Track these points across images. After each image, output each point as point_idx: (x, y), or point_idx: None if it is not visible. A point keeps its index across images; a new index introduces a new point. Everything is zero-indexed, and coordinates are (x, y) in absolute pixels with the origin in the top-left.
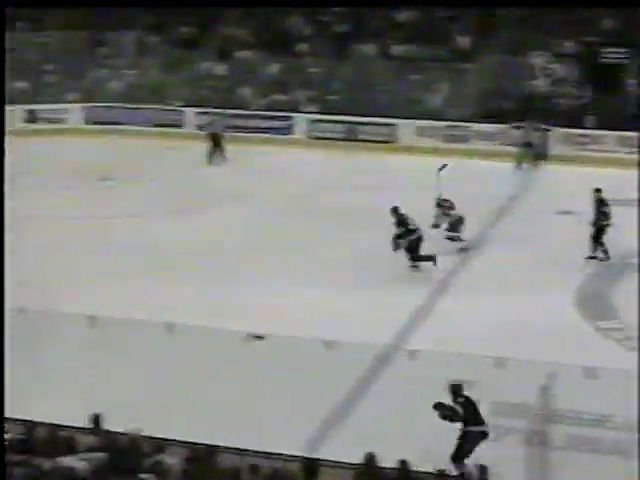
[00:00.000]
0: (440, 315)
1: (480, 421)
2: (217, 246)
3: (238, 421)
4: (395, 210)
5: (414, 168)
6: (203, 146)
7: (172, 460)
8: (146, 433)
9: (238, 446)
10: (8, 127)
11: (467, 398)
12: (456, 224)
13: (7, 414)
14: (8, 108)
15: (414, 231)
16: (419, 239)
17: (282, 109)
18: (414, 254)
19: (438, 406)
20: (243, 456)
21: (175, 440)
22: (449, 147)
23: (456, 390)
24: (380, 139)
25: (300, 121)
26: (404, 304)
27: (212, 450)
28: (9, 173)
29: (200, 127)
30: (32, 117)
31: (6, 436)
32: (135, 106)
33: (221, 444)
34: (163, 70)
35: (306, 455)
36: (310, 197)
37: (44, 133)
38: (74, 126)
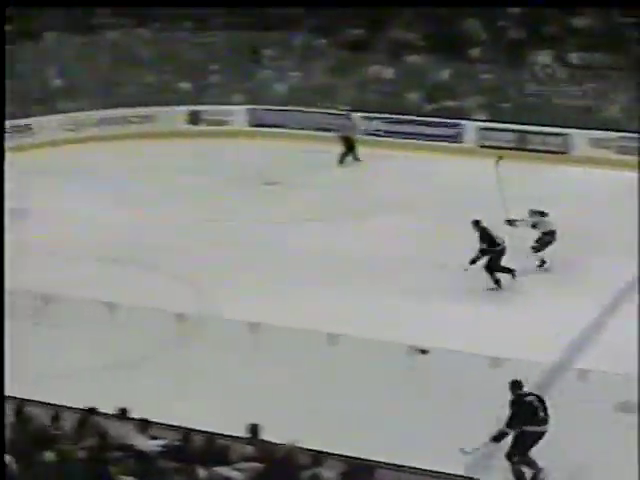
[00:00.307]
0: (612, 333)
1: (536, 422)
2: (377, 255)
3: (397, 436)
4: (477, 223)
5: (586, 180)
6: (368, 151)
7: (329, 474)
8: (304, 445)
9: (396, 462)
10: (172, 128)
11: (524, 397)
12: (546, 238)
13: (163, 419)
14: (172, 109)
15: (497, 245)
16: (501, 252)
17: (451, 116)
18: (498, 267)
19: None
20: (400, 472)
21: (333, 453)
22: (622, 159)
23: (514, 388)
24: (552, 149)
25: (469, 129)
26: (573, 320)
27: (370, 465)
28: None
29: (334, 129)
30: (195, 118)
31: (162, 442)
32: (300, 109)
33: (379, 459)
34: (329, 73)
35: (466, 475)
36: (475, 208)
37: (207, 135)
38: (238, 128)
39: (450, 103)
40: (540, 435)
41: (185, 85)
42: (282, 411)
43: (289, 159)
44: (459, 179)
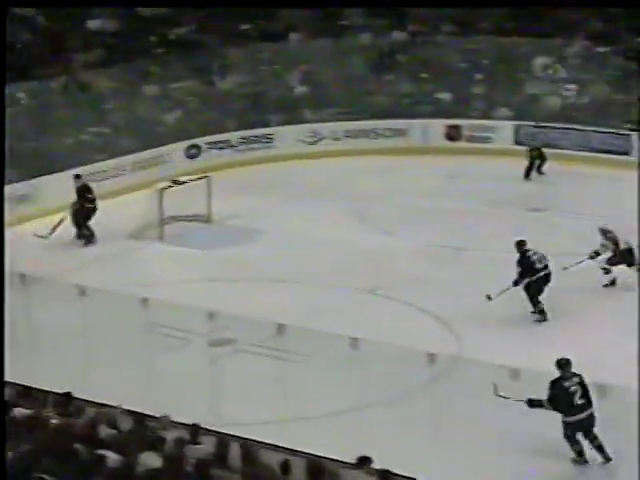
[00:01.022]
0: None
1: (572, 409)
2: None
3: None
4: (520, 244)
5: None
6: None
7: None
8: None
9: None
10: (427, 143)
11: (562, 381)
12: (623, 254)
13: (407, 472)
14: (428, 122)
15: (538, 271)
16: (544, 278)
17: None
18: (534, 297)
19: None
20: None
21: None
22: None
23: (559, 366)
24: None
25: None
26: None
27: None
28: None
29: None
30: (454, 134)
31: None
32: (574, 127)
33: None
34: (611, 86)
35: None
36: None
37: (467, 152)
38: (502, 146)
39: None
40: (580, 422)
41: (444, 95)
42: (546, 468)
43: (558, 183)
44: None
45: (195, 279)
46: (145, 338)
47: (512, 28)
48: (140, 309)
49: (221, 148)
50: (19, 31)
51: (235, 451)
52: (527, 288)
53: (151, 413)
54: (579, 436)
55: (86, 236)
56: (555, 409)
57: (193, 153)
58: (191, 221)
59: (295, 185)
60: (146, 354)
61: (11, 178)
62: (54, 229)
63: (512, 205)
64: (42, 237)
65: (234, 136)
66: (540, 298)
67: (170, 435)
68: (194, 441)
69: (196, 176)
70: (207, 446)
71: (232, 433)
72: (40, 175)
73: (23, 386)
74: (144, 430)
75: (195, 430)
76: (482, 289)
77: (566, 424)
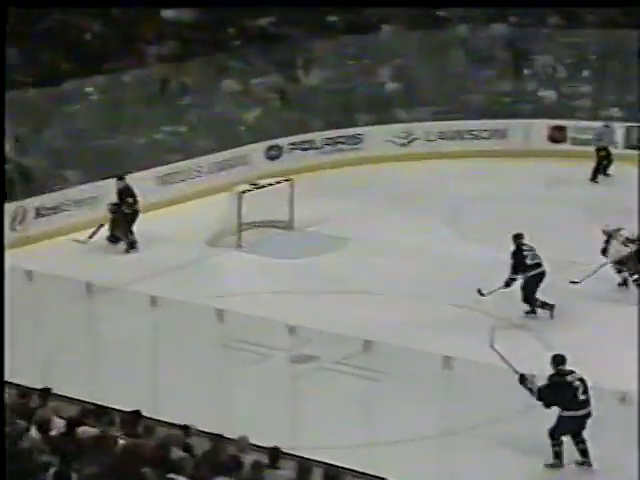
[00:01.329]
0: None
1: (574, 404)
2: None
3: None
4: (517, 237)
5: None
6: None
7: None
8: None
9: None
10: (528, 146)
11: (564, 376)
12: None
13: None
14: (531, 123)
15: (529, 267)
16: (537, 277)
17: None
18: (529, 296)
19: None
20: None
21: None
22: None
23: (556, 362)
24: None
25: None
26: None
27: None
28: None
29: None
30: (559, 135)
31: None
32: None
33: None
34: None
35: None
36: None
37: (572, 156)
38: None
39: None
40: (582, 418)
41: (548, 93)
42: None
43: None
44: None
45: (275, 290)
46: (220, 353)
47: (623, 20)
48: (215, 321)
49: (305, 149)
50: (89, 21)
51: (317, 477)
52: (523, 287)
53: (227, 434)
54: (565, 437)
55: (129, 242)
56: (548, 402)
57: (274, 154)
58: (271, 227)
59: (384, 189)
60: (221, 370)
61: (77, 179)
62: (93, 234)
63: (618, 214)
64: (81, 242)
65: (319, 136)
66: (535, 296)
67: (248, 459)
68: (273, 465)
69: (277, 179)
70: (288, 471)
71: (314, 458)
72: (109, 177)
73: (89, 403)
74: (219, 453)
75: (275, 454)
76: (584, 304)
77: (563, 418)
